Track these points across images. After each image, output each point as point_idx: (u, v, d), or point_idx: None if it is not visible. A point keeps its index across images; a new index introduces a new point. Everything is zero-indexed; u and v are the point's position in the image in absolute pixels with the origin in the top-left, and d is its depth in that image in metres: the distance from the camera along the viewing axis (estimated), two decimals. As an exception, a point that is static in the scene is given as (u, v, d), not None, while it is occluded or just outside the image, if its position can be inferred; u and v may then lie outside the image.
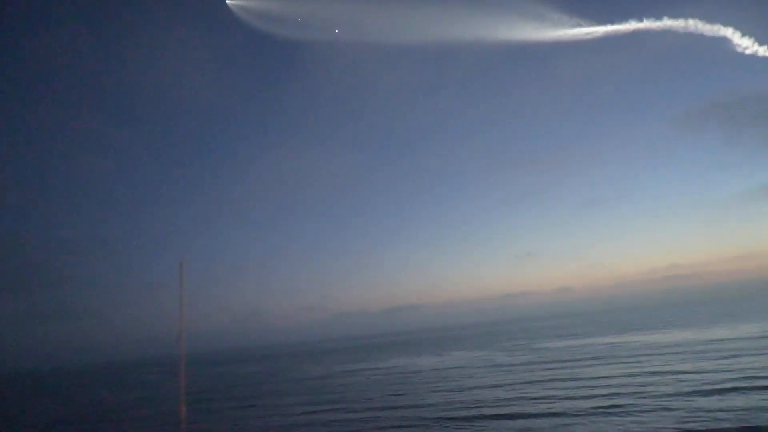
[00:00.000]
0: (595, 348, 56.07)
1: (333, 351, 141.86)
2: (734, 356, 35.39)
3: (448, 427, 22.39)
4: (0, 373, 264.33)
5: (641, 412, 21.05)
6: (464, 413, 24.88)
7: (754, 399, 21.15)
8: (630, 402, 23.23)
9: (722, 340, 48.73)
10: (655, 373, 31.74)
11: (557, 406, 24.08)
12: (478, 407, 26.10)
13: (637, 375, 31.55)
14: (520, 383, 33.47)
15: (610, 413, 21.37)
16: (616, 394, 25.50)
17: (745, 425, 17.21)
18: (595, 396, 25.75)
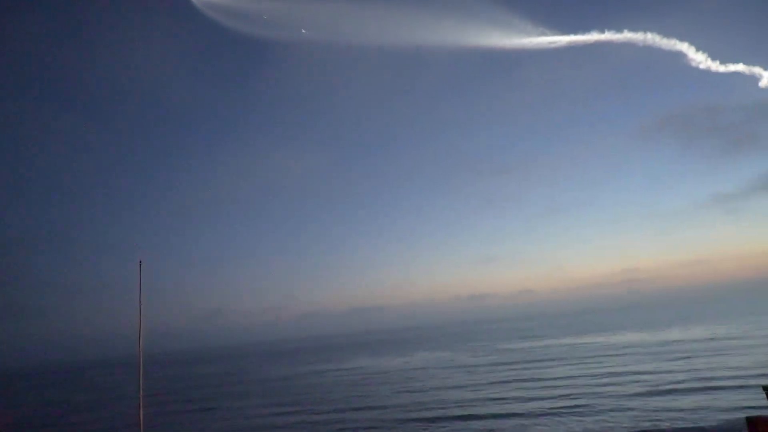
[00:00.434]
0: (555, 349, 57.38)
1: (297, 351, 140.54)
2: (687, 357, 36.85)
3: (413, 428, 22.42)
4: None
5: (599, 412, 21.60)
6: (429, 414, 24.98)
7: (706, 399, 22.02)
8: (589, 402, 23.81)
9: (676, 341, 50.71)
10: (612, 373, 32.69)
11: (519, 407, 24.47)
12: (443, 408, 26.26)
13: (596, 376, 32.44)
14: (484, 384, 33.89)
15: (569, 413, 21.84)
16: (576, 395, 26.11)
17: (697, 425, 17.88)
18: (556, 396, 26.30)
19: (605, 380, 30.17)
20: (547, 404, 24.40)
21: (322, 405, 31.82)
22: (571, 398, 25.33)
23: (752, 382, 24.42)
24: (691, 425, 17.90)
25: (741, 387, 23.76)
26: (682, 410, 20.32)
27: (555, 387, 29.49)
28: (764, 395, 9.73)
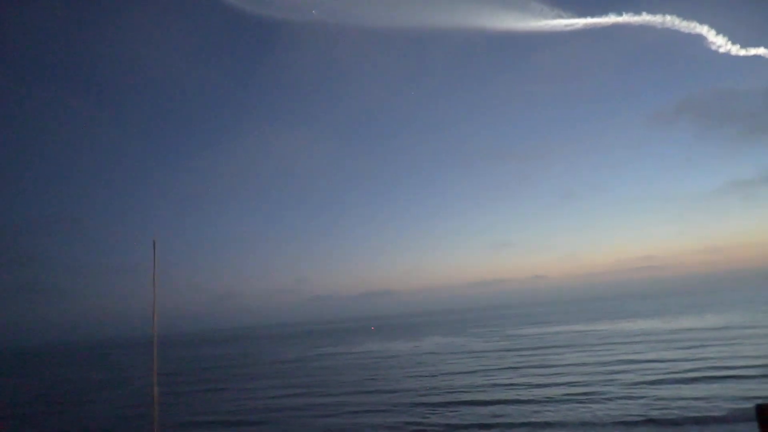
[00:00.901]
0: (566, 336, 57.23)
1: (307, 334, 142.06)
2: (700, 346, 36.49)
3: (421, 412, 22.56)
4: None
5: (609, 399, 21.51)
6: (438, 399, 25.10)
7: (717, 387, 21.81)
8: (598, 389, 23.73)
9: (689, 329, 50.22)
10: (623, 361, 32.51)
11: (528, 393, 24.48)
12: (452, 393, 26.38)
13: (606, 363, 32.28)
14: (494, 369, 33.94)
15: (579, 400, 21.79)
16: (585, 382, 26.03)
17: (707, 413, 17.73)
18: (565, 383, 26.24)
19: (615, 368, 30.01)
20: (556, 391, 24.36)
21: (332, 387, 32.15)
22: (580, 385, 25.26)
23: (765, 371, 24.17)
24: (701, 414, 17.76)
25: (753, 377, 23.51)
26: (692, 399, 20.16)
27: (565, 374, 29.43)
28: None
